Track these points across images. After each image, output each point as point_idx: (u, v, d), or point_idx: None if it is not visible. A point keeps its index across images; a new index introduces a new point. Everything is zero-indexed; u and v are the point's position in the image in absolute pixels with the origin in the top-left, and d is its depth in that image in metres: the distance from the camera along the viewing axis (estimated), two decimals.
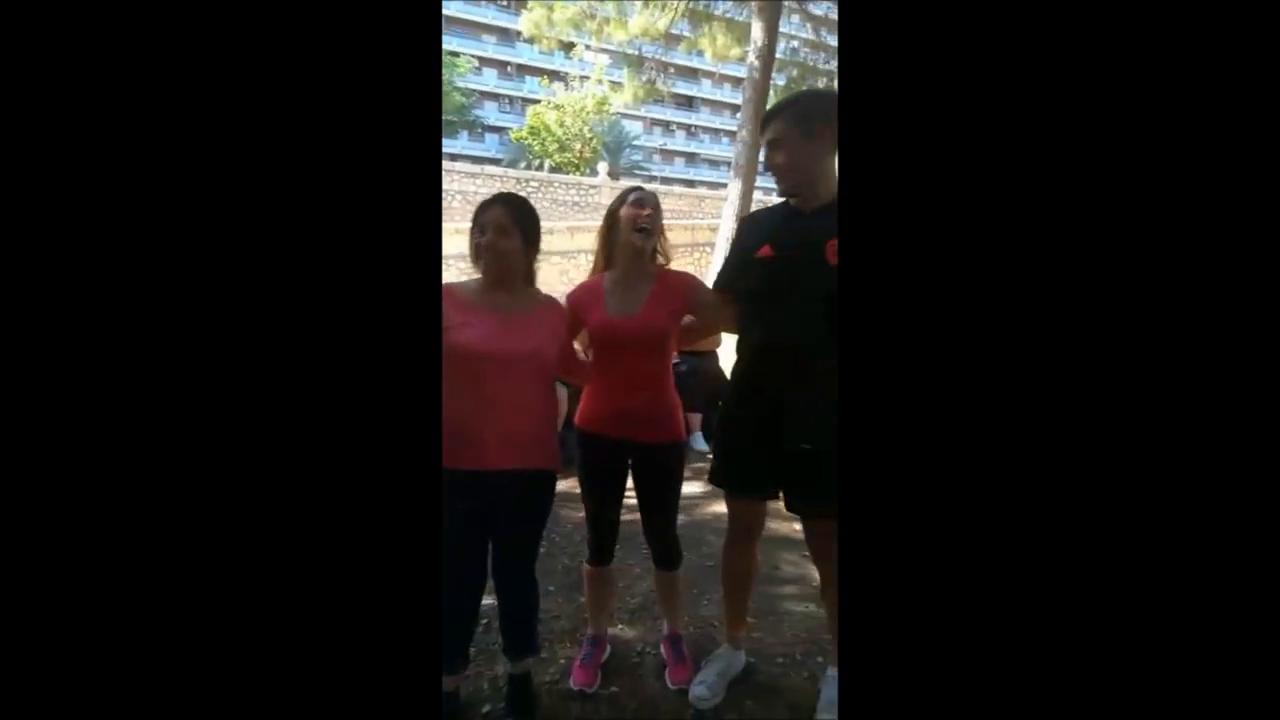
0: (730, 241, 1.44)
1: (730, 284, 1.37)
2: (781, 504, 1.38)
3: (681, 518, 1.58)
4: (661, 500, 1.44)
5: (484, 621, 1.50)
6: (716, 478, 1.42)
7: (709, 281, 1.45)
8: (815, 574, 1.49)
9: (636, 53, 9.37)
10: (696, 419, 3.20)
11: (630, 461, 1.43)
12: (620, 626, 1.71)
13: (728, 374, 1.46)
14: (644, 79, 9.46)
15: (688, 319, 1.41)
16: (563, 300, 1.40)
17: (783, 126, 1.23)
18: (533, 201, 1.35)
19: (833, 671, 1.43)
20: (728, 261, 1.41)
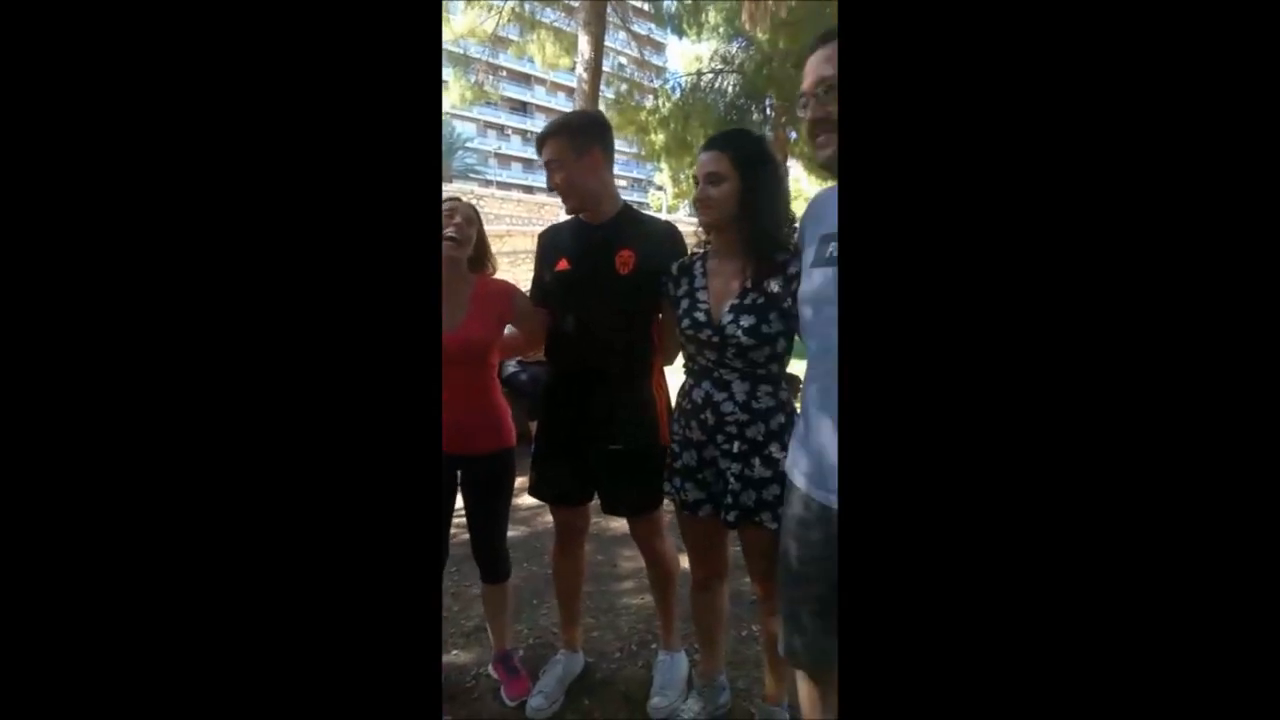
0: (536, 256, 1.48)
1: (541, 297, 1.41)
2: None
3: (522, 529, 1.57)
4: (491, 509, 1.42)
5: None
6: (535, 489, 1.44)
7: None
8: None
9: (463, 52, 9.06)
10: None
11: (459, 474, 1.39)
12: (454, 652, 1.64)
13: None
14: (472, 80, 9.18)
15: (509, 330, 1.41)
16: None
17: (556, 147, 1.29)
18: None
19: (664, 655, 1.52)
20: (535, 275, 1.45)
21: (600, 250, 1.29)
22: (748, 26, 8.72)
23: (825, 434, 0.96)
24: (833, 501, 0.95)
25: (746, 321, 1.14)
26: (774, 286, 1.15)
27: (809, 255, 1.02)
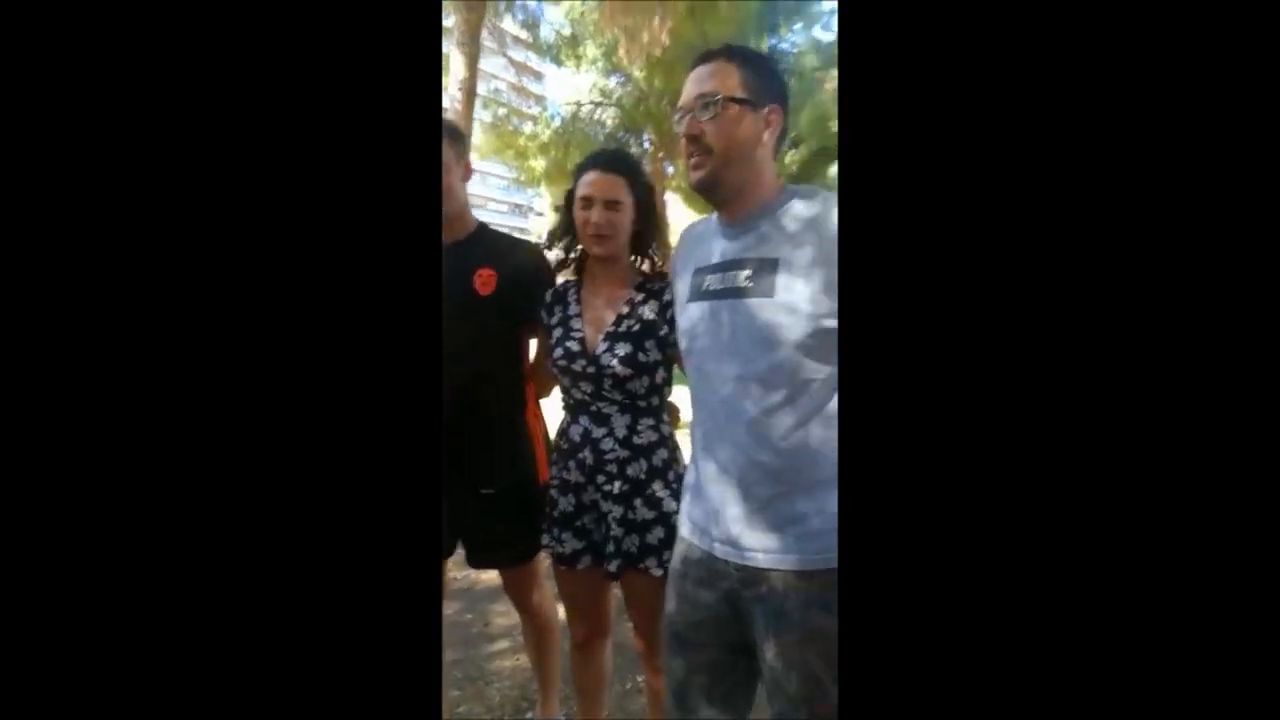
0: None
1: None
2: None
3: None
4: None
5: None
6: None
7: None
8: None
9: None
10: None
11: None
12: None
13: None
14: None
15: None
16: None
17: None
18: None
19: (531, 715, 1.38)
20: None
21: (457, 270, 1.19)
22: (625, 62, 9.01)
23: (711, 481, 0.88)
24: (728, 554, 0.87)
25: (623, 350, 1.06)
26: (649, 314, 1.09)
27: (683, 288, 0.96)
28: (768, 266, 0.83)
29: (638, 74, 9.63)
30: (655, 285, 1.12)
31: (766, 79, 0.87)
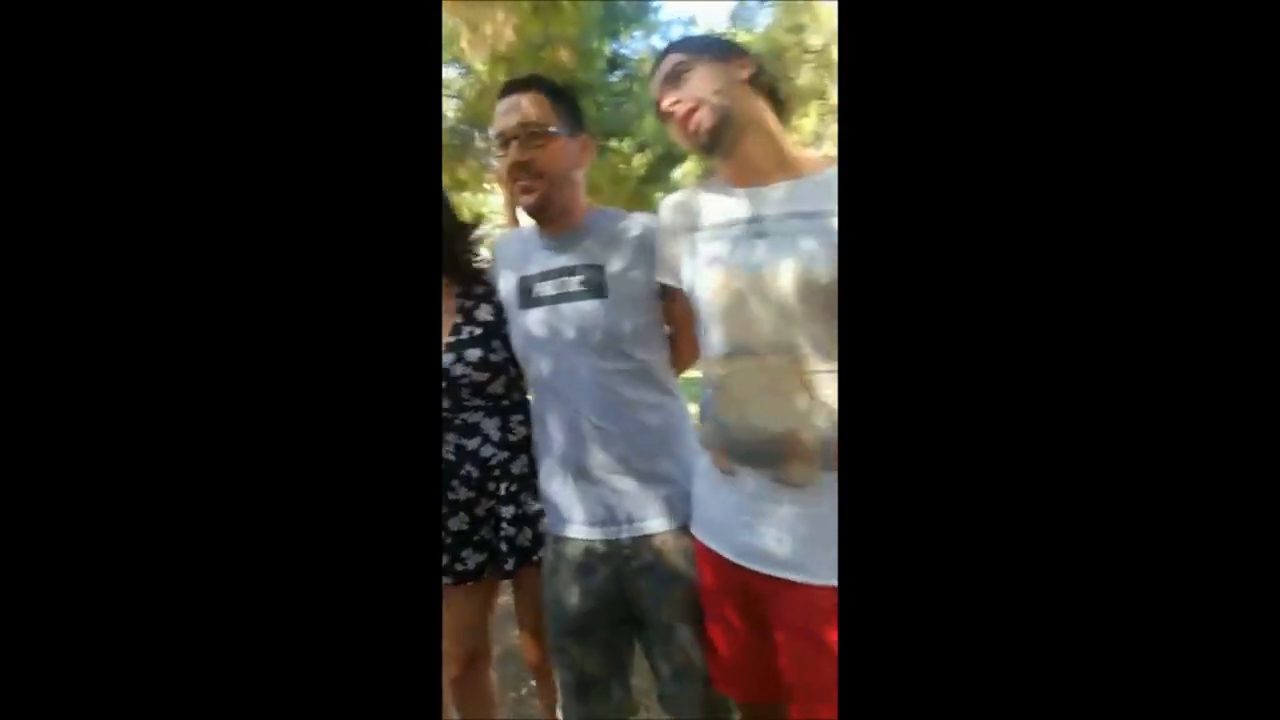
0: None
1: None
2: None
3: None
4: None
5: None
6: None
7: None
8: None
9: None
10: None
11: None
12: None
13: None
14: None
15: None
16: None
17: None
18: None
19: None
20: None
21: None
22: (467, 54, 8.65)
23: (584, 473, 0.98)
24: (614, 532, 0.97)
25: (473, 355, 1.08)
26: (486, 314, 1.11)
27: (510, 297, 1.04)
28: (596, 272, 0.97)
29: (480, 67, 9.31)
30: (479, 289, 1.13)
31: (574, 108, 1.01)
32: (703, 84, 0.85)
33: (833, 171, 0.85)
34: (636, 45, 11.05)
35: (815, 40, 8.75)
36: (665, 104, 0.87)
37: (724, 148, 0.86)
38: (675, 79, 0.86)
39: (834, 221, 0.80)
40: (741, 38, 9.72)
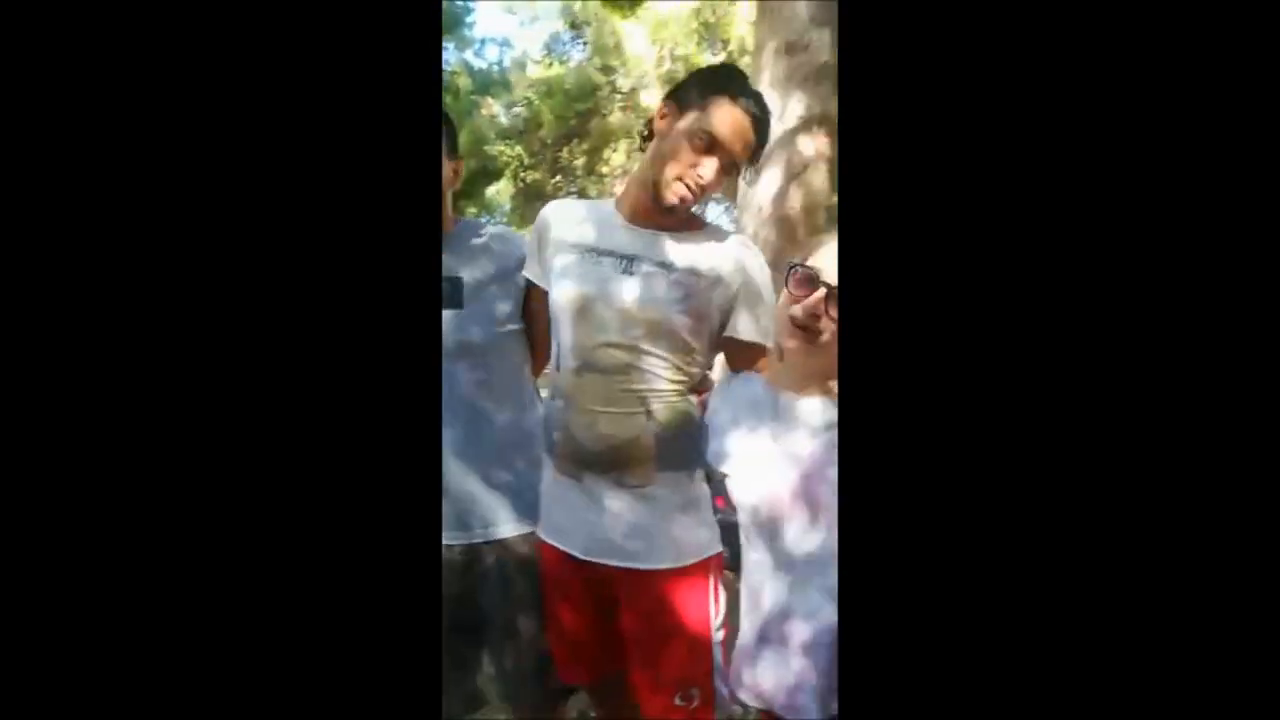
0: None
1: None
2: None
3: None
4: None
5: None
6: None
7: None
8: None
9: None
10: None
11: None
12: None
13: None
14: None
15: None
16: None
17: None
18: None
19: None
20: None
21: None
22: None
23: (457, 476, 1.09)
24: (460, 538, 1.07)
25: None
26: None
27: None
28: (456, 283, 1.08)
29: None
30: None
31: (448, 133, 1.13)
32: None
33: (735, 238, 1.03)
34: (448, 57, 10.75)
35: (624, 83, 9.49)
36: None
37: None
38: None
39: (707, 283, 0.96)
40: (555, 69, 10.07)
